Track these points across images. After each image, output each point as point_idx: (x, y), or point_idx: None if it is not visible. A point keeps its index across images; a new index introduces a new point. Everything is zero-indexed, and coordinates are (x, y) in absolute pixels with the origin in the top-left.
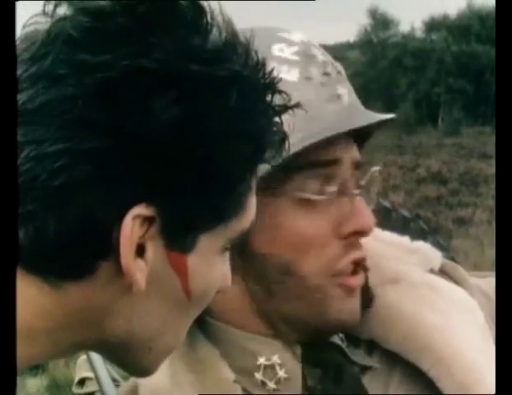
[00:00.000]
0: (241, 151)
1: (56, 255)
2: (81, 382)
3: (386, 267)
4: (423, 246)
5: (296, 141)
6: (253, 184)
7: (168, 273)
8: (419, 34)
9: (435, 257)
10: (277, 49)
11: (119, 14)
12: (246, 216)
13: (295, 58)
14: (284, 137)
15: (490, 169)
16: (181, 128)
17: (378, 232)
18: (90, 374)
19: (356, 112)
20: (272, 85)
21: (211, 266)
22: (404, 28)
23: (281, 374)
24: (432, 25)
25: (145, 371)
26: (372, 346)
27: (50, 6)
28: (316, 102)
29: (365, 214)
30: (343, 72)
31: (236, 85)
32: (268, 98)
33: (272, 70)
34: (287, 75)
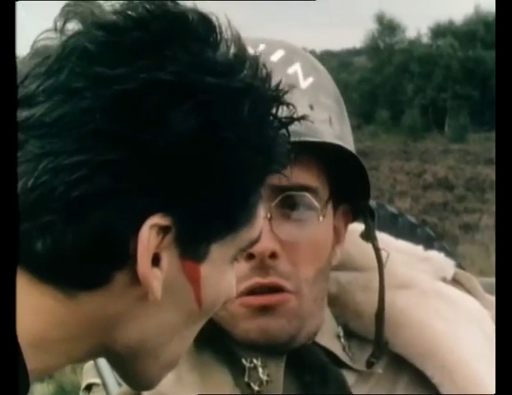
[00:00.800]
0: (254, 161)
1: (73, 265)
2: (88, 388)
3: (397, 273)
4: (436, 255)
5: None
6: (262, 194)
7: (181, 282)
8: (425, 40)
9: (448, 266)
10: None
11: (133, 28)
12: (256, 226)
13: None
14: (290, 149)
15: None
16: (197, 139)
17: (391, 240)
18: (97, 380)
19: None
20: (279, 98)
21: (221, 275)
22: (410, 34)
23: (264, 376)
24: (438, 31)
25: (149, 383)
26: (381, 349)
27: (60, 23)
28: None
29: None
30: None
31: (248, 96)
32: (275, 110)
33: (280, 82)
34: None
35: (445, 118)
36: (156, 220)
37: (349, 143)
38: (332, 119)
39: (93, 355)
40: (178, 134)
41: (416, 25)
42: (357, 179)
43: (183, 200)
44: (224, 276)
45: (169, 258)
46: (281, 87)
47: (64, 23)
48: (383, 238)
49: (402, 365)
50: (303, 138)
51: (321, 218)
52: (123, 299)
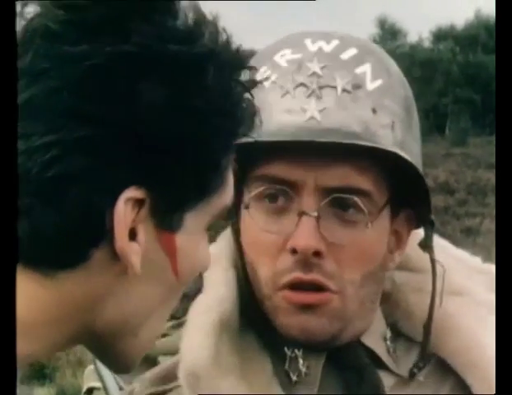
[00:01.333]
0: (222, 126)
1: (51, 246)
2: (89, 391)
3: (452, 280)
4: (492, 268)
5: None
6: (231, 160)
7: (158, 255)
8: (427, 44)
9: None
10: (281, 54)
11: (94, 4)
12: (227, 192)
13: (284, 64)
14: (255, 112)
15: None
16: (167, 109)
17: (450, 247)
18: (97, 384)
19: (314, 129)
20: (241, 62)
21: (196, 245)
22: (412, 38)
23: (303, 368)
24: (439, 36)
25: (129, 364)
26: (426, 359)
27: (19, 7)
28: (271, 109)
29: (302, 235)
30: (346, 87)
31: (212, 61)
32: (238, 74)
33: (241, 46)
34: (264, 78)
35: (446, 122)
36: (131, 193)
37: (411, 151)
38: (396, 125)
39: (75, 339)
40: (147, 106)
41: (418, 29)
42: (416, 187)
43: (155, 171)
44: (199, 245)
45: (145, 231)
46: (241, 51)
47: (23, 7)
48: (443, 244)
49: (447, 372)
50: (358, 141)
51: (369, 224)
52: (101, 276)
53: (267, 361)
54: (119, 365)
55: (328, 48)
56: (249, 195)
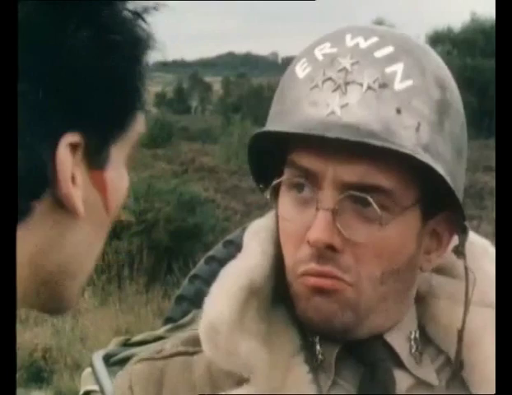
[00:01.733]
0: (137, 54)
1: None
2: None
3: (484, 290)
4: None
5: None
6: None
7: (93, 194)
8: None
9: None
10: (320, 47)
11: None
12: (139, 118)
13: (321, 58)
14: (150, 35)
15: (495, 182)
16: (88, 49)
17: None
18: (95, 387)
19: (333, 124)
20: None
21: (121, 178)
22: None
23: (319, 354)
24: (437, 39)
25: (66, 305)
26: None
27: None
28: (301, 101)
29: (316, 228)
30: (372, 85)
31: None
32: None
33: None
34: (301, 70)
35: None
36: (69, 139)
37: (439, 154)
38: (422, 127)
39: (27, 293)
40: (73, 49)
41: (415, 32)
42: (446, 190)
43: (85, 112)
44: (123, 178)
45: (81, 174)
46: None
47: None
48: (491, 253)
49: (464, 384)
50: (372, 140)
51: (387, 222)
52: (43, 228)
53: (296, 336)
54: (58, 307)
55: (364, 44)
56: (283, 179)
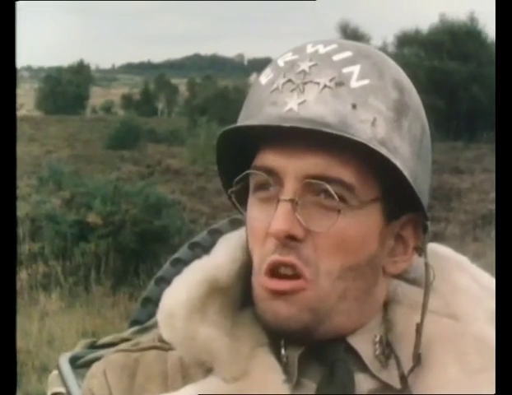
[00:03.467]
0: None
1: None
2: None
3: (454, 304)
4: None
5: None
6: None
7: None
8: (391, 49)
9: None
10: (283, 57)
11: None
12: None
13: (282, 64)
14: None
15: (462, 183)
16: None
17: (478, 272)
18: (61, 389)
19: (290, 118)
20: None
21: None
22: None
23: (283, 358)
24: (404, 40)
25: None
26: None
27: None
28: (262, 103)
29: (277, 219)
30: (329, 84)
31: None
32: None
33: None
34: (264, 78)
35: None
36: None
37: (397, 150)
38: (378, 122)
39: None
40: None
41: (382, 33)
42: (408, 189)
43: None
44: None
45: None
46: None
47: None
48: (475, 271)
49: None
50: (329, 130)
51: (344, 212)
52: None
53: (262, 336)
54: None
55: (323, 50)
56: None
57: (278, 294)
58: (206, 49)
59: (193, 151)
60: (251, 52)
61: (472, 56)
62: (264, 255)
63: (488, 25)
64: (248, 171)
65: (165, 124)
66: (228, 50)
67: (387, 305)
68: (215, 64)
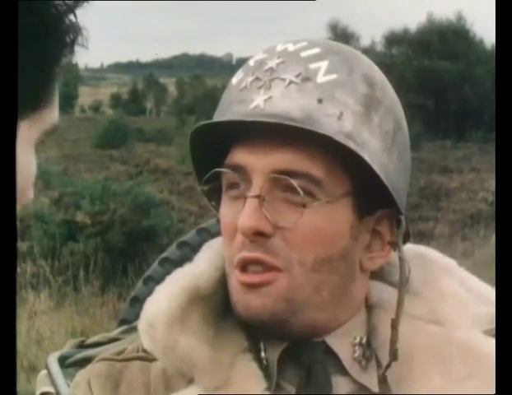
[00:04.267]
0: (53, 35)
1: None
2: None
3: (439, 310)
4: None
5: None
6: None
7: None
8: (379, 48)
9: None
10: (254, 57)
11: None
12: (55, 109)
13: (252, 64)
14: (78, 32)
15: (450, 183)
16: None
17: (469, 279)
18: (50, 389)
19: (255, 114)
20: None
21: (28, 158)
22: (365, 42)
23: (263, 360)
24: (392, 40)
25: None
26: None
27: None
28: (231, 102)
29: (244, 215)
30: (294, 79)
31: None
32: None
33: None
34: (235, 78)
35: None
36: None
37: (365, 144)
38: (345, 115)
39: None
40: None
41: (370, 33)
42: (379, 185)
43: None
44: (30, 160)
45: None
46: None
47: None
48: (462, 275)
49: None
50: (292, 123)
51: (312, 206)
52: None
53: (242, 340)
54: None
55: (292, 48)
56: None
57: (250, 287)
58: (194, 49)
59: (182, 151)
60: (239, 51)
61: (461, 55)
62: (234, 252)
63: (476, 24)
64: (215, 169)
65: (154, 124)
66: (216, 49)
67: (371, 309)
68: (203, 63)
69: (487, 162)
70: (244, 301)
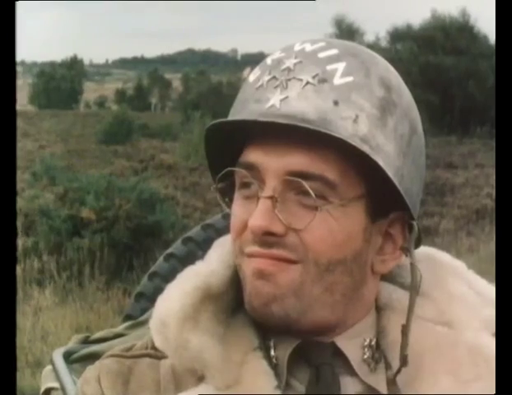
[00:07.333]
0: None
1: None
2: (47, 392)
3: (447, 311)
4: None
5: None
6: None
7: None
8: (384, 43)
9: None
10: (272, 55)
11: None
12: None
13: (270, 62)
14: None
15: (455, 178)
16: None
17: (478, 279)
18: (55, 384)
19: (270, 114)
20: None
21: None
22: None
23: (273, 359)
24: (397, 36)
25: None
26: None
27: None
28: (247, 100)
29: (255, 215)
30: (311, 80)
31: None
32: None
33: None
34: (252, 76)
35: None
36: None
37: (379, 148)
38: (360, 119)
39: None
40: None
41: (375, 29)
42: (393, 188)
43: None
44: None
45: None
46: None
47: None
48: (471, 278)
49: None
50: (307, 125)
51: (323, 210)
52: None
53: (254, 338)
54: None
55: (310, 48)
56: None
57: (262, 273)
58: (199, 44)
59: (187, 146)
60: (244, 47)
61: (465, 51)
62: (244, 241)
63: (480, 20)
64: (229, 168)
65: (159, 119)
66: (221, 45)
67: (381, 311)
68: (208, 59)
69: (492, 158)
70: (256, 287)
